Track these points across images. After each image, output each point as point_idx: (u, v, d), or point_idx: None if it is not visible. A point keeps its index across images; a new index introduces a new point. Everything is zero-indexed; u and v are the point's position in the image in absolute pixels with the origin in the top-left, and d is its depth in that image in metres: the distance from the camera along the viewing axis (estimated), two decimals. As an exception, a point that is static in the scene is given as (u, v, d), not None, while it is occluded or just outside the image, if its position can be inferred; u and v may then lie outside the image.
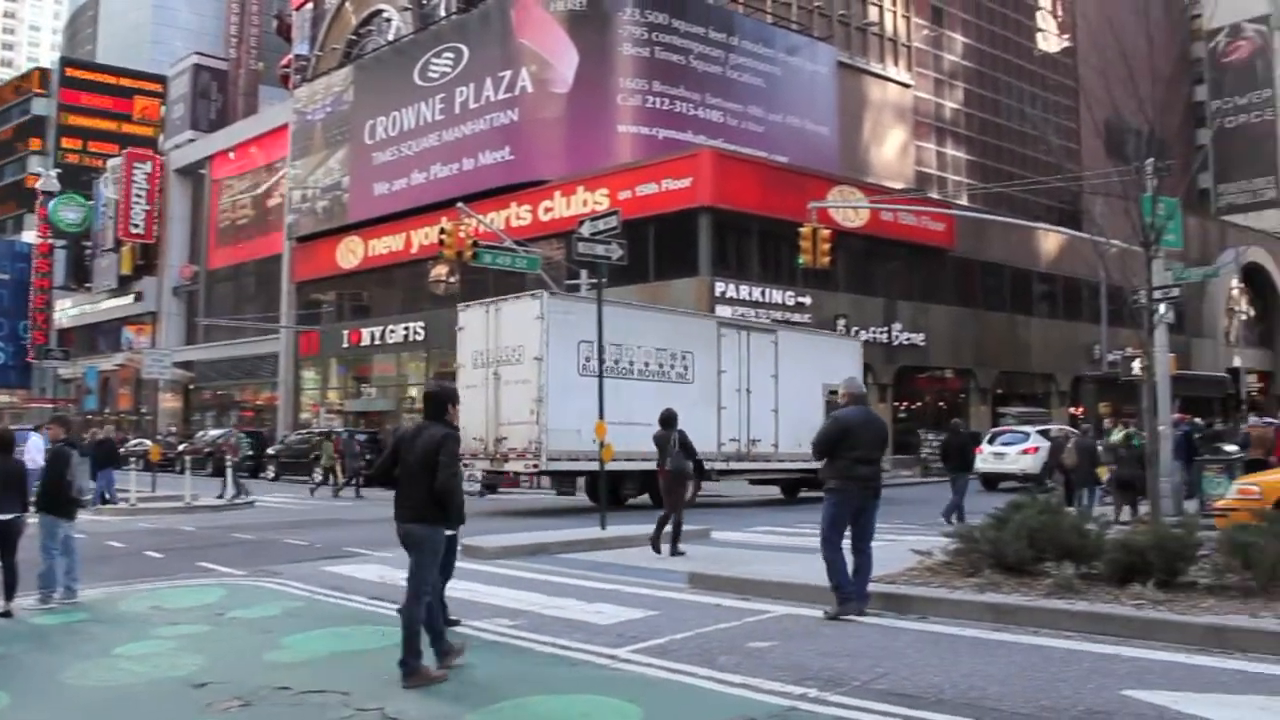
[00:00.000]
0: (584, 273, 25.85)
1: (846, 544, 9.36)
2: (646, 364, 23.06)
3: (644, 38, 44.07)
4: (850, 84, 53.30)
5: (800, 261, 26.93)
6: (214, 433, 43.81)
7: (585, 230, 17.92)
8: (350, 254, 50.13)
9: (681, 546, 13.88)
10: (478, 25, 46.05)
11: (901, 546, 12.13)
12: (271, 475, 37.90)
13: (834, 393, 20.77)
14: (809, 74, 50.31)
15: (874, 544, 9.53)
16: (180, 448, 40.99)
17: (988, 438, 30.60)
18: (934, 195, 52.36)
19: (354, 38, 57.04)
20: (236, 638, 9.01)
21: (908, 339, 40.62)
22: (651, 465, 16.07)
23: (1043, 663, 7.31)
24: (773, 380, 25.54)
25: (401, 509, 7.32)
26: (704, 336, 24.62)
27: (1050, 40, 70.47)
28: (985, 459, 28.40)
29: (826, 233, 26.35)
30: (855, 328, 38.44)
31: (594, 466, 19.26)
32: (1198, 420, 27.60)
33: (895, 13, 58.96)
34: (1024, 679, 6.81)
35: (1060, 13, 70.58)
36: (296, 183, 54.39)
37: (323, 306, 53.76)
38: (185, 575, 13.08)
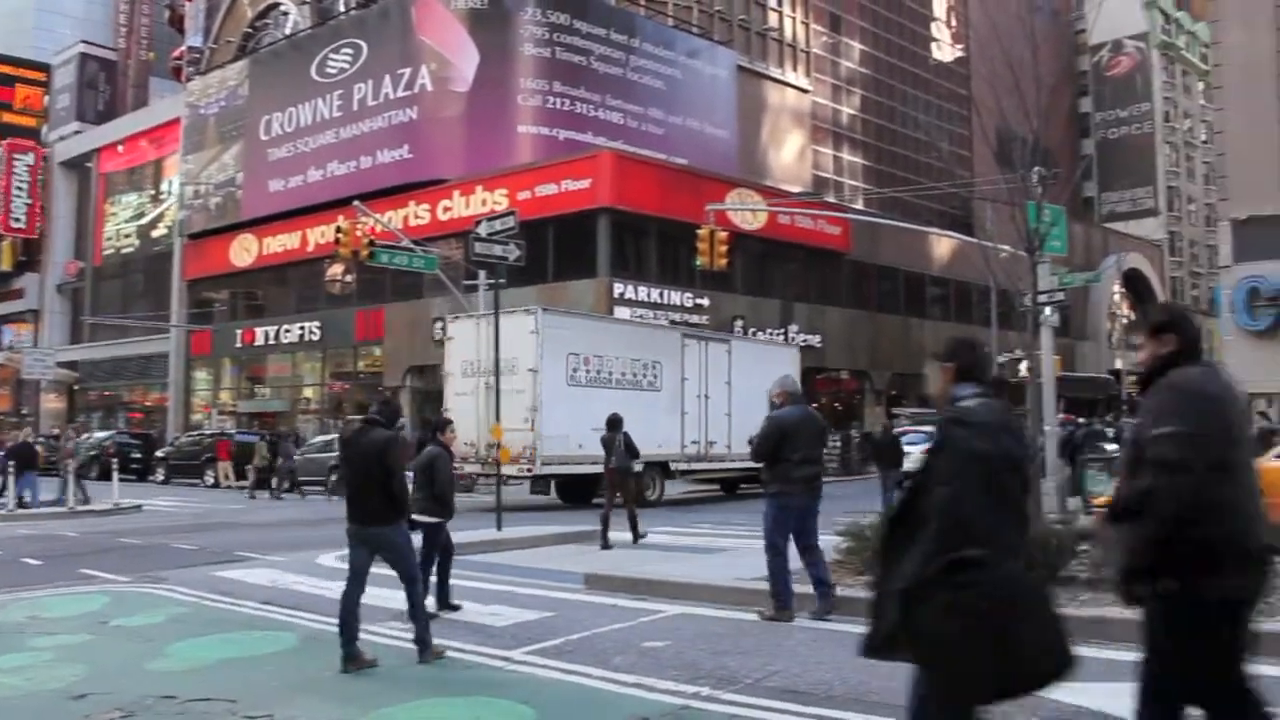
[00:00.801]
0: (482, 273, 25.63)
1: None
2: (623, 374, 24.56)
3: (545, 38, 43.98)
4: (750, 88, 53.84)
5: (698, 263, 27.11)
6: (99, 435, 42.53)
7: (483, 230, 17.84)
8: (244, 252, 49.11)
9: (631, 534, 15.40)
10: (377, 21, 45.49)
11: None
12: (161, 478, 36.92)
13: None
14: (709, 77, 50.71)
15: (759, 545, 9.59)
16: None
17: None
18: (830, 199, 53.11)
19: (250, 31, 55.96)
20: (119, 647, 8.73)
21: (805, 340, 41.16)
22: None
23: (929, 658, 7.45)
24: (726, 386, 26.91)
25: (358, 512, 7.68)
26: (670, 347, 26.18)
27: (944, 50, 71.98)
28: None
29: (724, 235, 26.57)
30: (753, 329, 38.86)
31: (585, 470, 21.15)
32: (1081, 420, 28.41)
33: (795, 19, 59.72)
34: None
35: (954, 23, 72.13)
36: (189, 178, 53.11)
37: (215, 305, 52.56)
38: (66, 583, 12.66)
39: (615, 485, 15.74)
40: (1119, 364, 61.17)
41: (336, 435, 33.17)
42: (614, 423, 16.21)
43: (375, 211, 33.86)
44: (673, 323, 35.24)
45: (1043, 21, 23.97)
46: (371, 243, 27.79)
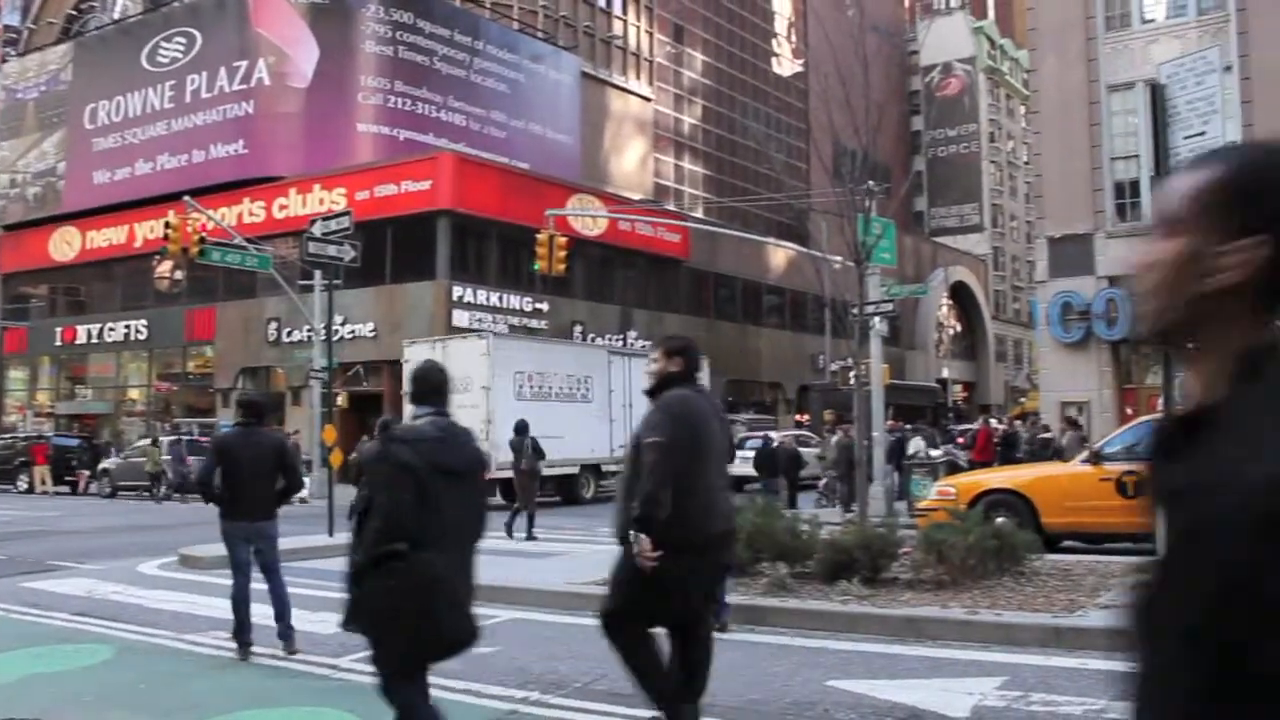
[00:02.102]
0: (318, 273, 25.19)
1: None
2: (561, 388, 27.64)
3: (388, 36, 43.38)
4: (593, 94, 54.14)
5: (536, 267, 27.20)
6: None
7: (317, 230, 17.50)
8: (65, 245, 46.86)
9: (535, 533, 16.86)
10: (212, 11, 44.09)
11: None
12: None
13: None
14: (553, 82, 50.79)
15: (602, 547, 9.67)
16: None
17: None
18: (671, 207, 53.79)
19: (74, 13, 53.61)
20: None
21: (643, 346, 41.52)
22: (567, 470, 22.55)
23: (757, 658, 7.66)
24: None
25: (251, 509, 8.14)
26: (598, 363, 29.45)
27: (785, 64, 73.68)
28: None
29: (563, 240, 26.66)
30: (591, 334, 39.07)
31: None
32: (908, 427, 29.42)
33: (639, 28, 60.31)
34: (737, 675, 7.08)
35: (794, 38, 73.90)
36: (3, 166, 50.47)
37: (33, 301, 49.98)
38: None
39: (524, 485, 17.36)
40: (945, 373, 63.60)
41: (171, 437, 32.41)
42: (521, 428, 17.82)
43: (208, 208, 32.76)
44: (511, 328, 35.81)
45: (876, 41, 24.72)
46: (203, 240, 26.85)
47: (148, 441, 33.00)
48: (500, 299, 37.03)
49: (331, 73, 41.88)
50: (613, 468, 28.03)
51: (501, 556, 14.50)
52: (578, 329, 38.89)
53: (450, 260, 36.28)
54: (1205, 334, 1.33)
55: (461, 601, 4.54)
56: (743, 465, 30.12)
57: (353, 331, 35.60)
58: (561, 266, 26.67)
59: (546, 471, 24.39)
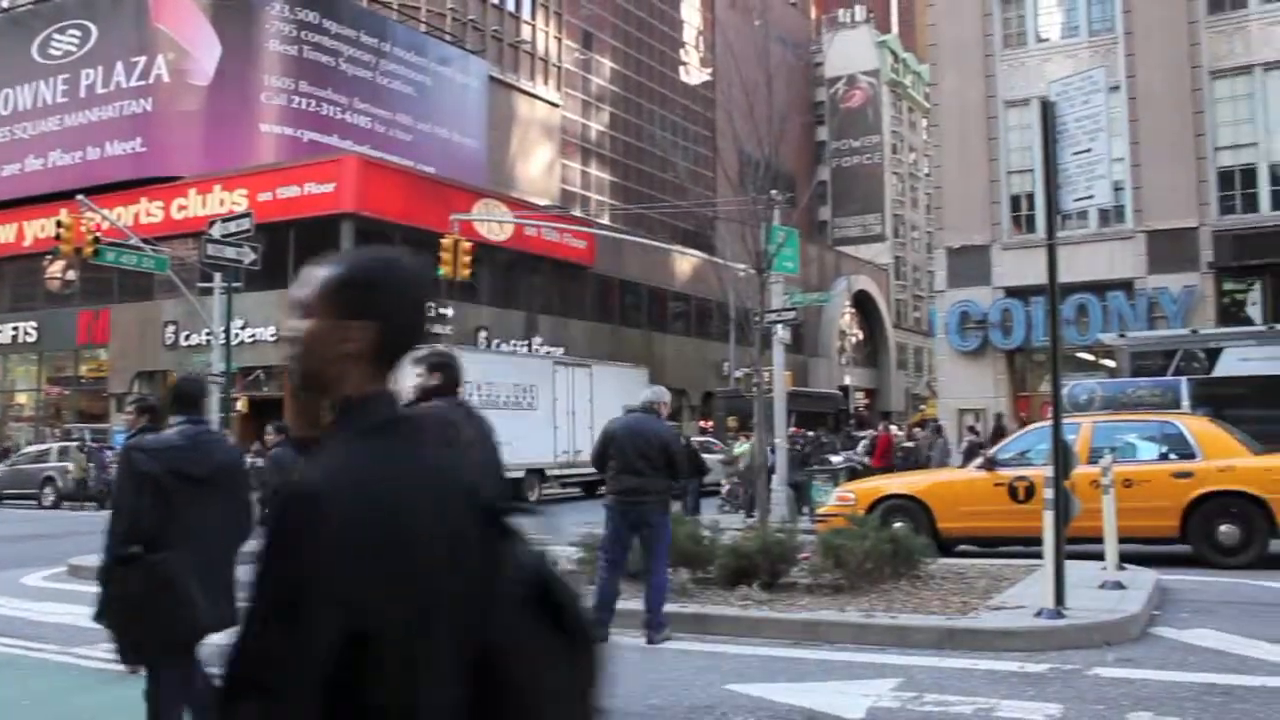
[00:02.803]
0: (217, 275, 24.76)
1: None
2: (508, 397, 28.89)
3: (292, 35, 42.71)
4: (500, 99, 53.94)
5: (440, 272, 27.07)
6: None
7: (216, 231, 17.20)
8: (-51, 243, 45.22)
9: None
10: (109, 4, 42.94)
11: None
12: None
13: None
14: (460, 86, 50.48)
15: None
16: None
17: None
18: (577, 213, 53.81)
19: (-41, 3, 51.73)
20: None
21: (549, 352, 41.49)
22: (513, 475, 23.17)
23: (658, 663, 7.70)
24: (589, 404, 31.79)
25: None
26: (543, 373, 31.18)
27: (693, 73, 74.22)
28: None
29: (468, 245, 26.54)
30: (497, 340, 38.91)
31: None
32: (810, 433, 29.82)
33: (547, 33, 60.26)
34: (638, 680, 7.10)
35: (702, 47, 74.48)
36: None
37: (-88, 300, 48.09)
38: None
39: None
40: (848, 380, 64.53)
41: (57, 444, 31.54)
42: None
43: (103, 207, 31.88)
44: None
45: (781, 52, 25.09)
46: (96, 240, 26.12)
47: (39, 448, 32.07)
48: (405, 303, 36.63)
49: (234, 71, 41.09)
50: (557, 472, 30.72)
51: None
52: (482, 335, 38.68)
53: (354, 264, 35.72)
54: (334, 384, 1.76)
55: (195, 600, 4.73)
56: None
57: (253, 335, 34.96)
58: (467, 272, 26.59)
59: None
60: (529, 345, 41.11)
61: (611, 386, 33.55)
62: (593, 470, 30.86)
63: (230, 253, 16.75)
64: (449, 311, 38.04)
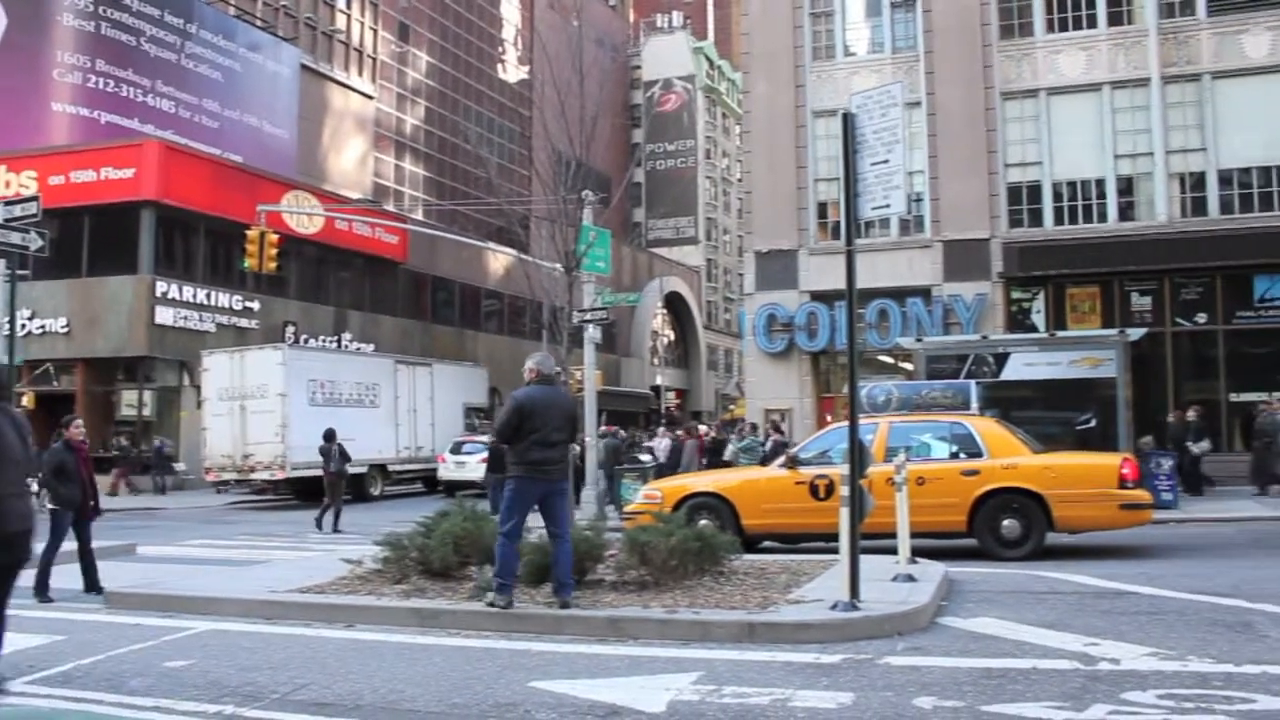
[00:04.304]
0: (1, 262, 23.36)
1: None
2: (350, 394, 30.05)
3: (88, 10, 40.66)
4: (313, 89, 52.58)
5: (246, 265, 26.29)
6: None
7: None
8: None
9: (329, 529, 19.15)
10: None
11: (334, 556, 12.16)
12: None
13: (474, 409, 35.82)
14: (271, 74, 49.00)
15: (311, 554, 9.43)
16: None
17: (451, 447, 31.50)
18: (390, 208, 52.90)
19: None
20: None
21: (359, 349, 40.73)
22: (357, 470, 25.27)
23: (461, 662, 7.65)
24: (430, 402, 33.37)
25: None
26: (385, 371, 32.20)
27: (510, 70, 73.89)
28: (449, 467, 30.78)
29: (275, 237, 25.84)
30: (305, 335, 37.96)
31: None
32: (622, 432, 30.14)
33: (363, 24, 59.04)
34: (441, 679, 7.09)
35: (521, 45, 74.26)
36: None
37: None
38: None
39: (333, 486, 20.08)
40: (659, 380, 65.40)
41: None
42: (329, 435, 20.66)
43: None
44: (220, 327, 35.24)
45: (597, 52, 25.26)
46: None
47: None
48: (208, 296, 35.33)
49: (22, 45, 38.85)
50: (398, 467, 31.88)
51: (207, 565, 13.90)
52: (290, 330, 37.64)
53: (154, 254, 34.25)
54: None
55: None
56: (459, 470, 30.30)
57: (42, 327, 33.19)
58: (273, 265, 25.94)
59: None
60: (338, 341, 40.24)
61: (451, 384, 35.38)
62: (433, 465, 31.37)
63: (15, 238, 15.81)
64: (255, 305, 36.89)
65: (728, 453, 23.71)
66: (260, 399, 27.81)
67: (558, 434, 9.02)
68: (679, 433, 28.23)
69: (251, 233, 25.39)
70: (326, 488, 20.35)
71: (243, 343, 33.14)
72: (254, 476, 28.72)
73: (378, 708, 6.42)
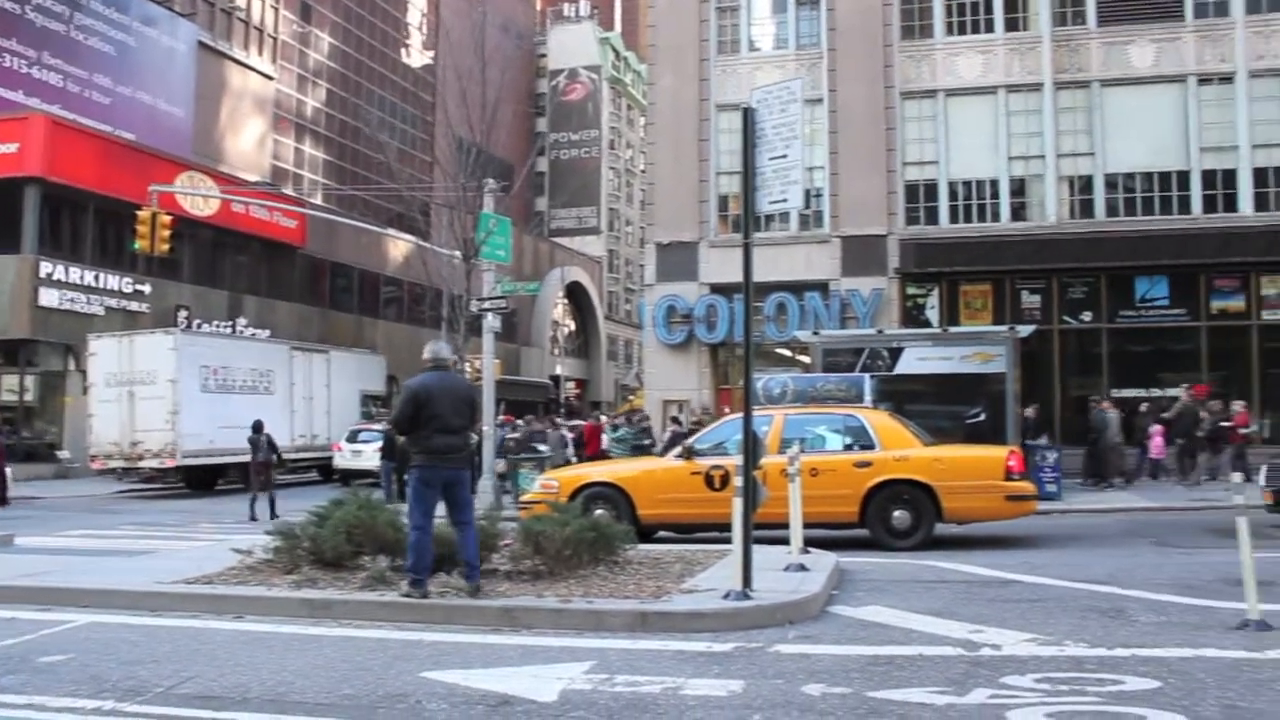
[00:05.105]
0: None
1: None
2: (244, 381, 29.53)
3: (-33, -25, 39.14)
4: (210, 67, 51.35)
5: (136, 246, 25.61)
6: None
7: None
8: None
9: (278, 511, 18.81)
10: None
11: (224, 546, 11.93)
12: None
13: (372, 397, 35.74)
14: (166, 49, 47.73)
15: (200, 544, 9.24)
16: None
17: (347, 435, 31.09)
18: (289, 191, 51.94)
19: None
20: None
21: (254, 335, 39.92)
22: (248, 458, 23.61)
23: (352, 653, 7.57)
24: (326, 389, 33.10)
25: None
26: (280, 358, 31.68)
27: (414, 55, 72.99)
28: (345, 456, 30.31)
29: (167, 219, 25.20)
30: (198, 320, 37.14)
31: (219, 461, 28.24)
32: (520, 421, 30.01)
33: (264, 2, 57.78)
34: (331, 670, 7.01)
35: (425, 29, 73.37)
36: None
37: None
38: None
39: (261, 475, 20.43)
40: (559, 370, 65.32)
41: None
42: (258, 427, 20.69)
43: None
44: (109, 310, 34.37)
45: (501, 39, 25.12)
46: None
47: None
48: (97, 278, 34.29)
49: (-109, 9, 37.25)
50: (293, 456, 30.86)
51: (90, 556, 13.51)
52: (183, 314, 36.75)
53: (39, 233, 33.09)
54: None
55: None
56: (355, 458, 29.90)
57: (-82, 305, 31.96)
58: (165, 247, 25.32)
59: (230, 460, 27.79)
60: (233, 326, 39.41)
61: (348, 372, 35.10)
62: (328, 454, 31.08)
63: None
64: (146, 288, 35.94)
65: (603, 442, 23.96)
66: (150, 385, 27.16)
67: (457, 419, 9.04)
68: (580, 423, 28.28)
69: (143, 213, 24.73)
70: (253, 477, 20.85)
71: (133, 327, 32.25)
72: (143, 465, 27.96)
73: (265, 700, 6.32)
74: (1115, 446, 22.64)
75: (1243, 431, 22.39)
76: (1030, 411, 22.60)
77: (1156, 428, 22.89)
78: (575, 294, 72.22)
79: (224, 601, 9.26)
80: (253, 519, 19.42)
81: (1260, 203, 25.92)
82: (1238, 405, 22.76)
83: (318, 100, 62.88)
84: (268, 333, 41.38)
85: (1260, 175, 26.02)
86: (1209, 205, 26.07)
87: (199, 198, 36.90)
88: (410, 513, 9.02)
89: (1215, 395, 23.50)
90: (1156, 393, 24.71)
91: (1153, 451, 22.95)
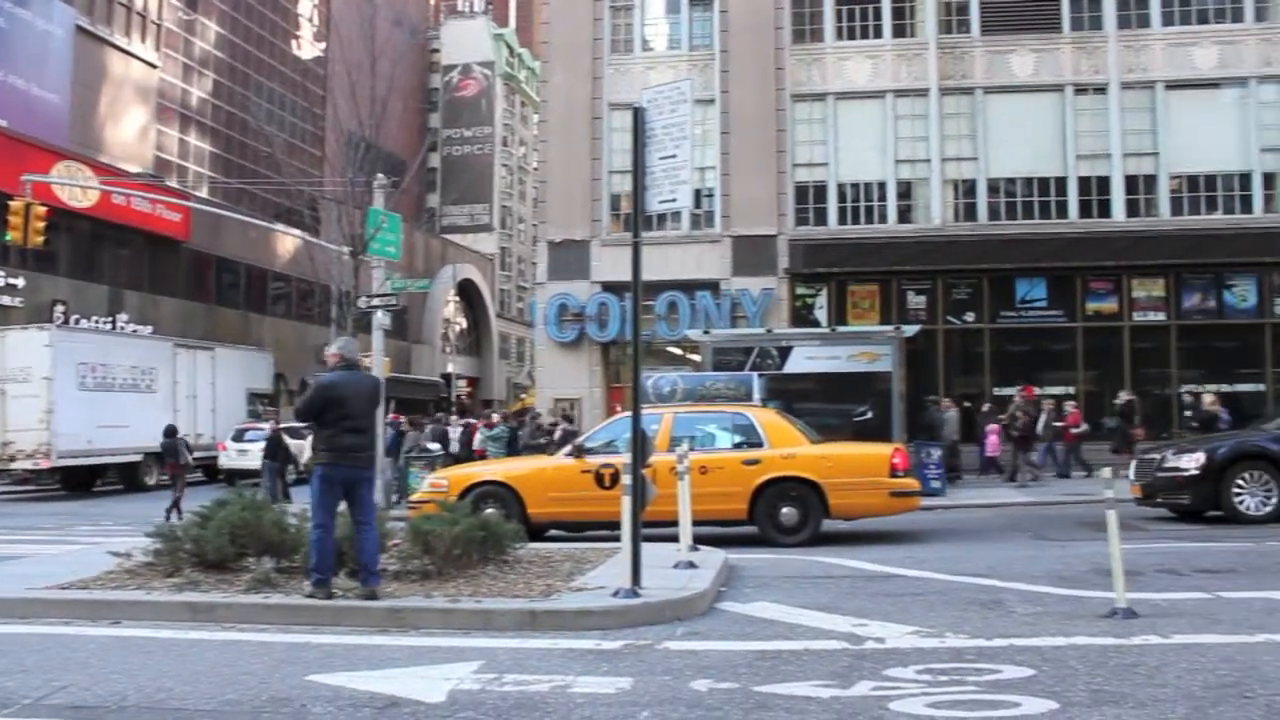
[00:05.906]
0: None
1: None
2: (125, 379, 28.88)
3: None
4: (89, 53, 49.68)
5: (9, 238, 24.74)
6: None
7: None
8: None
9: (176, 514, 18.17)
10: None
11: (101, 550, 11.60)
12: None
13: (258, 395, 35.65)
14: (41, 33, 46.03)
15: (76, 548, 8.96)
16: None
17: (233, 434, 30.47)
18: (173, 184, 50.57)
19: None
20: None
21: (136, 331, 38.79)
22: (130, 458, 26.13)
23: (236, 657, 7.42)
24: (211, 387, 32.54)
25: None
26: (163, 355, 31.07)
27: (305, 47, 71.60)
28: (230, 455, 29.96)
29: (42, 210, 24.37)
30: (77, 315, 35.98)
31: (97, 461, 27.98)
32: (405, 423, 29.68)
33: (145, -13, 56.11)
34: (214, 675, 6.86)
35: (317, 21, 72.05)
36: None
37: None
38: None
39: (176, 477, 20.28)
40: (451, 368, 64.76)
41: None
42: (171, 432, 20.54)
43: None
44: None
45: (391, 32, 24.81)
46: None
47: None
48: (-35, 271, 33.00)
49: None
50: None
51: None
52: (59, 309, 35.55)
53: (-99, 223, 31.69)
54: None
55: None
56: (240, 458, 29.31)
57: None
58: (40, 239, 24.48)
59: (109, 460, 28.11)
60: (113, 322, 38.25)
61: (235, 369, 34.59)
62: (214, 454, 30.42)
63: None
64: (19, 282, 34.68)
65: (477, 440, 23.89)
66: (23, 383, 26.47)
67: (366, 419, 9.00)
68: (472, 421, 28.07)
69: (16, 204, 23.88)
70: (172, 480, 20.62)
71: (6, 322, 31.10)
72: (15, 466, 27.24)
73: (143, 708, 6.15)
74: (952, 445, 23.31)
75: (1074, 431, 23.57)
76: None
77: (993, 426, 23.80)
78: (467, 291, 71.66)
79: (100, 607, 8.98)
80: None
81: (1132, 209, 26.97)
82: (1069, 406, 24.00)
83: (204, 91, 61.30)
84: (150, 329, 40.22)
85: (1131, 182, 27.06)
86: (1085, 210, 27.03)
87: (77, 189, 35.74)
88: (313, 511, 8.90)
89: (1102, 393, 24.50)
90: (1038, 391, 25.47)
91: (988, 450, 23.86)
